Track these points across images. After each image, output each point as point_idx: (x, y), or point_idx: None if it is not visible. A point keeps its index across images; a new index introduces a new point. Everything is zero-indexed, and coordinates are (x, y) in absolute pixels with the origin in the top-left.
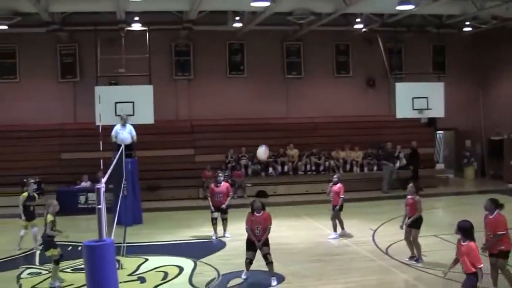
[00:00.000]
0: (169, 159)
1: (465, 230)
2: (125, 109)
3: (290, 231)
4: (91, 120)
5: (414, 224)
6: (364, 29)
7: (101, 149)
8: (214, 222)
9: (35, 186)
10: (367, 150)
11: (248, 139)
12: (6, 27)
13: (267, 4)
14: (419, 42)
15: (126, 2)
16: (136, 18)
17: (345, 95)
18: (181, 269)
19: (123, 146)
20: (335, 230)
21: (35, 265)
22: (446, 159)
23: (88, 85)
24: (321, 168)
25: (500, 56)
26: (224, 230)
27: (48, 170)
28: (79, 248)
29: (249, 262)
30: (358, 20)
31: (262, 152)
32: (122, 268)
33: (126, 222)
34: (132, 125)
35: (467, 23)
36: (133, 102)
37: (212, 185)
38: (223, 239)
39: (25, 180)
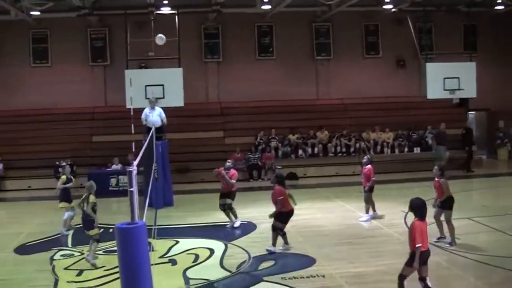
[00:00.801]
0: (199, 141)
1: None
2: (155, 92)
3: (320, 213)
4: (122, 104)
5: (445, 205)
6: (393, 9)
7: (132, 131)
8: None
9: (69, 169)
10: (397, 132)
11: (278, 121)
12: (38, 13)
13: None
14: (449, 22)
15: None
16: (165, 2)
17: (375, 76)
18: (212, 251)
19: (153, 129)
20: (367, 212)
21: (68, 247)
22: (478, 140)
23: (118, 69)
24: (351, 149)
25: None
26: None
27: (79, 153)
28: (110, 230)
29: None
30: (387, 0)
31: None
32: (153, 251)
33: (157, 205)
34: (162, 108)
35: (499, 1)
36: (163, 85)
37: (220, 169)
38: (253, 221)
39: (62, 163)
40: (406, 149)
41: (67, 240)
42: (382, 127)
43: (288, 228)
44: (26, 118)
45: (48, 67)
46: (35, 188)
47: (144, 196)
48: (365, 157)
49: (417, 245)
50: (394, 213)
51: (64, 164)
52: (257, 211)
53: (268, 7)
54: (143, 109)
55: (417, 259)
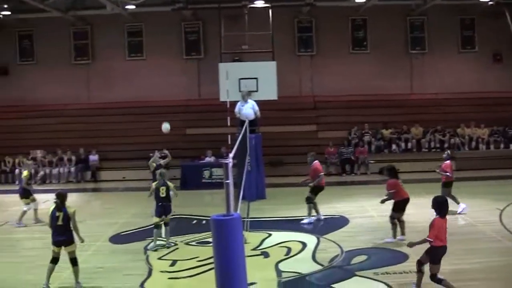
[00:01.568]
0: (292, 135)
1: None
2: (248, 85)
3: (413, 209)
4: (215, 96)
5: None
6: (490, 2)
7: (228, 124)
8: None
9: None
10: (493, 127)
11: (371, 116)
12: (133, 7)
13: None
14: None
15: None
16: None
17: (470, 71)
18: (304, 245)
19: (247, 122)
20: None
21: (161, 237)
22: None
23: (212, 62)
24: (446, 145)
25: None
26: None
27: (173, 145)
28: (203, 222)
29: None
30: None
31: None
32: (246, 243)
33: (249, 197)
34: (255, 101)
35: None
36: (256, 79)
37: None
38: (345, 215)
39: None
40: (502, 146)
41: (161, 230)
42: (477, 122)
43: (381, 223)
44: (121, 111)
45: (142, 60)
46: (130, 179)
47: (238, 189)
48: (446, 152)
49: (427, 238)
50: (488, 210)
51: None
52: (349, 205)
53: (362, 0)
54: (237, 102)
55: (419, 243)
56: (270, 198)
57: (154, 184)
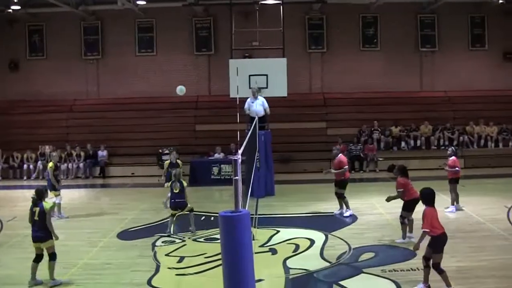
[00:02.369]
0: (301, 132)
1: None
2: (259, 82)
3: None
4: (225, 93)
5: None
6: (501, 1)
7: (238, 121)
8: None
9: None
10: (502, 126)
11: (380, 113)
12: (144, 2)
13: None
14: None
15: None
16: None
17: (480, 69)
18: (312, 241)
19: (256, 118)
20: (452, 203)
21: (165, 233)
22: None
23: (222, 58)
24: (455, 143)
25: None
26: (340, 206)
27: (183, 141)
28: (212, 218)
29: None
30: None
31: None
32: (254, 239)
33: (258, 194)
34: (265, 97)
35: None
36: (266, 75)
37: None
38: (354, 213)
39: (165, 151)
40: (510, 144)
41: (170, 227)
42: (486, 120)
43: (389, 220)
44: (131, 106)
45: (153, 56)
46: (139, 175)
47: (246, 185)
48: (450, 149)
49: (423, 230)
50: (496, 208)
51: (169, 150)
52: (358, 202)
53: None
54: (247, 98)
55: (420, 240)
56: (279, 194)
57: (166, 184)
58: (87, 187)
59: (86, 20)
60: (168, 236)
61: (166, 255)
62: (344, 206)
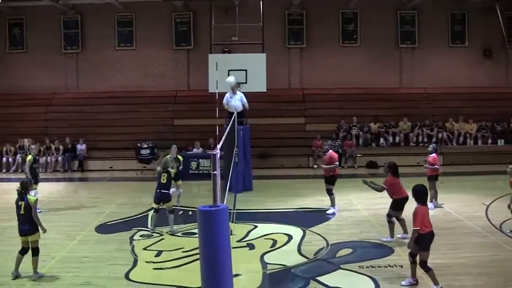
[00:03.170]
0: (280, 127)
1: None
2: (238, 77)
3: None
4: (204, 88)
5: None
6: None
7: (217, 116)
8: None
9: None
10: (481, 123)
11: (360, 109)
12: None
13: None
14: None
15: None
16: None
17: (460, 66)
18: (290, 237)
19: (235, 114)
20: (431, 200)
21: (147, 227)
22: None
23: (202, 53)
24: (433, 139)
25: None
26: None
27: (161, 136)
28: (190, 213)
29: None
30: None
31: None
32: (232, 234)
33: (237, 189)
34: (244, 93)
35: None
36: (246, 70)
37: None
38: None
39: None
40: (489, 141)
41: (147, 221)
42: (466, 117)
43: (367, 217)
44: (110, 100)
45: (132, 51)
46: (117, 169)
47: (225, 180)
48: (431, 145)
49: (414, 228)
50: (475, 205)
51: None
52: (336, 199)
53: None
54: (225, 93)
55: (412, 239)
56: (257, 190)
57: (159, 168)
58: (66, 181)
59: (66, 14)
60: (152, 232)
61: (144, 249)
62: (330, 203)
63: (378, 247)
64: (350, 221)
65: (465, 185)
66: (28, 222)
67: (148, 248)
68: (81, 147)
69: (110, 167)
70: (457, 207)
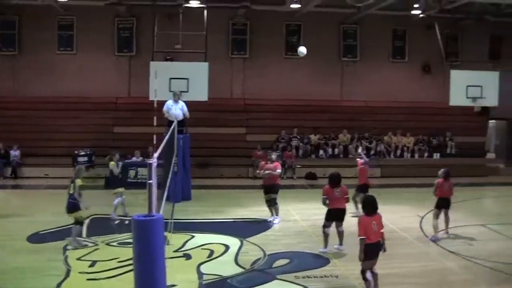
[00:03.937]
0: (220, 137)
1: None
2: (179, 85)
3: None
4: (145, 95)
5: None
6: (422, 15)
7: (155, 124)
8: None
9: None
10: (418, 136)
11: (301, 120)
12: None
13: None
14: (476, 30)
15: None
16: None
17: (400, 80)
18: (227, 247)
19: (175, 122)
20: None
21: (81, 237)
22: (497, 149)
23: (144, 60)
24: (372, 152)
25: None
26: (272, 214)
27: (100, 143)
28: (126, 222)
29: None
30: (416, 5)
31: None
32: (168, 244)
33: (175, 198)
34: (185, 101)
35: None
36: (187, 79)
37: (263, 163)
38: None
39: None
40: (426, 154)
41: (81, 230)
42: (404, 131)
43: (304, 227)
44: (47, 105)
45: (73, 55)
46: (52, 176)
47: (162, 189)
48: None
49: (360, 237)
50: (410, 217)
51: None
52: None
53: (297, 6)
54: (166, 101)
55: (361, 250)
56: (195, 199)
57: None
58: None
59: (5, 13)
60: (85, 244)
61: (77, 259)
62: (274, 213)
63: (315, 257)
64: (288, 232)
65: (402, 197)
66: None
67: (82, 258)
68: (14, 153)
69: (46, 175)
70: (393, 218)
